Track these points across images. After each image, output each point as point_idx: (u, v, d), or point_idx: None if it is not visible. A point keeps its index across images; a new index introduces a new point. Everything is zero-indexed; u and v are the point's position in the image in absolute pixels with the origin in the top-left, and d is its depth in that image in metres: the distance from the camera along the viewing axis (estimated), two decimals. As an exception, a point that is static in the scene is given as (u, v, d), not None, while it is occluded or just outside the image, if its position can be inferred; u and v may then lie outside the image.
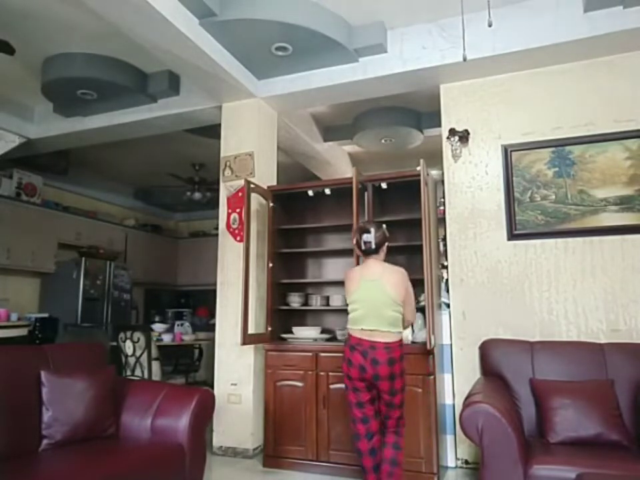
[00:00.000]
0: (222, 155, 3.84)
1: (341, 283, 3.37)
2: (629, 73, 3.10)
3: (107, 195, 7.07)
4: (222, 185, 3.80)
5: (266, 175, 3.84)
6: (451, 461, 3.20)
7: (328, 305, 3.57)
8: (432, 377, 2.93)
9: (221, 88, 3.64)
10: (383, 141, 5.07)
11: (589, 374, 2.83)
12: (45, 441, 2.28)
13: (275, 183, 3.97)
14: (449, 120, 3.54)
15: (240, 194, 3.70)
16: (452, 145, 3.46)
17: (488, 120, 3.42)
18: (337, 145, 5.49)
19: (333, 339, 3.53)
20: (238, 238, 3.67)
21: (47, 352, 2.59)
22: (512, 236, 3.25)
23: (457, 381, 3.24)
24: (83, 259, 5.91)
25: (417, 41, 3.38)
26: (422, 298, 3.16)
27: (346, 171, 5.84)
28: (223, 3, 3.05)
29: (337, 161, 5.72)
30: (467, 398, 2.62)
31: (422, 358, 2.95)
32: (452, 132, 3.45)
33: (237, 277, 3.60)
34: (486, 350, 3.11)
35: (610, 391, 2.70)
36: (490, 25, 1.97)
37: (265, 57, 3.46)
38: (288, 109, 4.08)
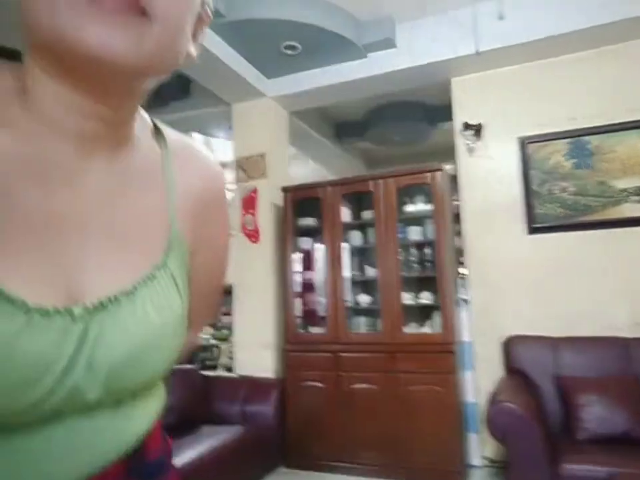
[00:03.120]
0: (234, 156, 3.83)
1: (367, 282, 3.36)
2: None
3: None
4: (236, 187, 3.78)
5: (279, 175, 3.81)
6: (476, 460, 3.16)
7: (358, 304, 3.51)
8: (453, 375, 2.90)
9: (230, 88, 3.62)
10: (395, 137, 5.02)
11: (614, 369, 2.78)
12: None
13: (288, 183, 3.94)
14: (461, 114, 3.48)
15: (253, 195, 3.69)
16: (466, 139, 3.41)
17: (502, 112, 3.36)
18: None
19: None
20: (253, 239, 3.65)
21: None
22: (531, 230, 3.19)
23: (479, 379, 3.20)
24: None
25: (426, 34, 3.32)
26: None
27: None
28: (229, 3, 3.02)
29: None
30: (491, 397, 2.59)
31: (442, 356, 2.92)
32: (465, 126, 3.40)
33: (253, 278, 3.59)
34: (509, 347, 3.07)
35: (637, 386, 2.64)
36: (501, 18, 1.93)
37: (273, 55, 3.43)
38: (298, 108, 4.05)
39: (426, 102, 4.69)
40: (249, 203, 3.70)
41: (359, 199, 3.40)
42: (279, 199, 3.70)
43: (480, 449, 3.17)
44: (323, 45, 3.31)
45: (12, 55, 0.47)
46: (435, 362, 2.91)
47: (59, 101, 0.43)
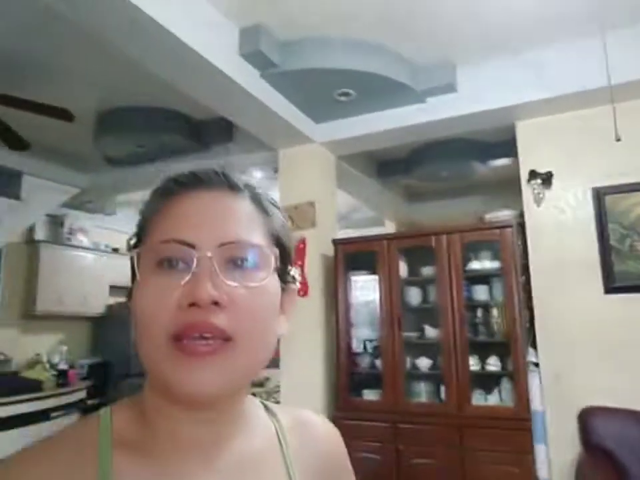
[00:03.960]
0: (281, 204, 3.64)
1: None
2: None
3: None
4: (282, 236, 3.60)
5: (328, 224, 3.63)
6: None
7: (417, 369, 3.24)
8: (529, 454, 2.62)
9: (277, 134, 3.47)
10: (442, 173, 4.79)
11: None
12: None
13: (335, 231, 3.75)
14: (527, 160, 3.24)
15: (302, 246, 3.50)
16: (533, 189, 3.16)
17: (573, 159, 3.11)
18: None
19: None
20: (301, 293, 3.45)
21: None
22: (609, 289, 2.91)
23: (552, 453, 2.90)
24: (134, 301, 5.82)
25: (491, 78, 3.11)
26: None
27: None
28: (283, 52, 2.86)
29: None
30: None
31: (516, 433, 2.64)
32: (533, 174, 3.16)
33: (300, 336, 3.38)
34: (586, 420, 2.78)
35: None
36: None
37: (326, 102, 3.26)
38: (347, 152, 3.87)
39: (477, 139, 4.46)
40: (298, 254, 3.51)
41: (418, 254, 3.17)
42: (328, 249, 3.51)
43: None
44: (378, 91, 3.13)
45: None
46: (508, 439, 2.65)
47: (168, 419, 0.50)
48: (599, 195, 2.98)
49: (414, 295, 3.17)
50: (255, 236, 0.50)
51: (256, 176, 5.01)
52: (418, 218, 6.21)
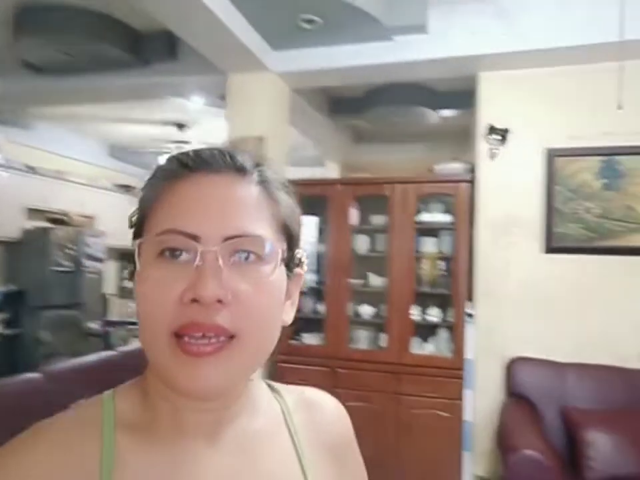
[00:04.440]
0: (226, 136, 3.38)
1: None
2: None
3: (77, 152, 6.41)
4: (227, 171, 3.37)
5: (280, 163, 3.42)
6: (467, 478, 3.09)
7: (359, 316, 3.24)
8: (460, 401, 2.75)
9: (229, 56, 3.14)
10: (395, 119, 4.67)
11: (621, 402, 2.72)
12: None
13: (287, 173, 3.56)
14: (486, 114, 3.19)
15: (248, 183, 3.29)
16: (489, 144, 3.14)
17: (530, 118, 3.10)
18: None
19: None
20: (245, 233, 3.29)
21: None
22: (548, 249, 3.02)
23: (478, 398, 3.08)
24: (52, 225, 5.37)
25: (463, 23, 2.96)
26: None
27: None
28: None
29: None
30: (503, 435, 2.47)
31: (451, 381, 2.76)
32: (492, 130, 3.12)
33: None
34: (513, 369, 2.95)
35: (647, 424, 2.59)
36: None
37: (287, 27, 2.96)
38: (303, 85, 3.62)
39: (432, 86, 4.35)
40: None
41: (370, 202, 3.09)
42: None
43: (471, 467, 3.09)
44: (346, 22, 2.88)
45: None
46: (442, 386, 2.76)
47: (170, 402, 0.50)
48: (550, 157, 3.02)
49: (362, 243, 3.12)
50: (262, 227, 0.47)
51: (198, 101, 4.63)
52: (363, 161, 6.12)
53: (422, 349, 2.96)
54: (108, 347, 3.70)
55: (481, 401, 3.04)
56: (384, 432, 2.74)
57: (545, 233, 3.02)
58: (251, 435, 0.53)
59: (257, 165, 0.50)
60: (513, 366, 2.96)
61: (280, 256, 0.48)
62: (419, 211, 2.99)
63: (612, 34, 2.66)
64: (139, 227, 0.49)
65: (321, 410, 0.61)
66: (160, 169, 0.50)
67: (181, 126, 5.56)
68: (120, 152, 6.80)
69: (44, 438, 0.47)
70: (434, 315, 2.98)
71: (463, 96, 4.35)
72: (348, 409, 0.62)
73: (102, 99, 4.19)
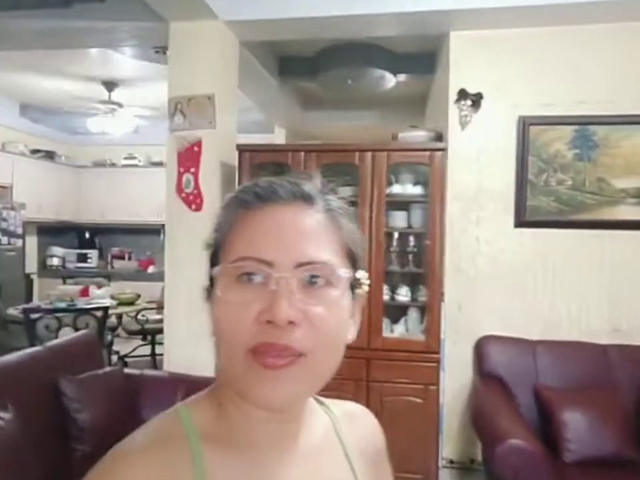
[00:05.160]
0: (170, 94, 2.93)
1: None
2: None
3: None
4: (170, 136, 2.93)
5: (228, 125, 3.03)
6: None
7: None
8: (436, 386, 2.60)
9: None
10: (349, 82, 4.35)
11: (593, 379, 2.68)
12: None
13: (235, 135, 3.17)
14: (457, 78, 2.96)
15: (196, 148, 2.89)
16: (461, 110, 2.92)
17: (503, 83, 2.91)
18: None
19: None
20: (193, 206, 2.90)
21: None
22: (520, 223, 2.89)
23: (447, 380, 2.95)
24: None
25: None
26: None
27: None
28: None
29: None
30: (484, 422, 2.34)
31: (426, 365, 2.59)
32: (463, 94, 2.90)
33: (191, 255, 2.88)
34: (483, 348, 2.84)
35: (619, 401, 2.57)
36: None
37: (239, -34, 2.55)
38: (252, 38, 3.20)
39: (389, 47, 4.06)
40: (190, 158, 2.90)
41: (336, 171, 2.79)
42: (229, 156, 2.96)
43: (440, 450, 2.99)
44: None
45: None
46: (415, 371, 2.58)
47: (246, 413, 0.52)
48: (525, 125, 2.86)
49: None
50: (329, 253, 0.51)
51: (130, 54, 4.07)
52: (312, 128, 5.77)
53: (391, 331, 2.76)
54: (32, 338, 3.20)
55: (450, 382, 2.91)
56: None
57: (517, 206, 2.88)
58: (312, 447, 0.57)
59: (322, 193, 0.54)
60: (483, 345, 2.85)
61: (347, 281, 0.52)
62: (390, 183, 2.73)
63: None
64: (215, 253, 0.54)
65: (363, 422, 0.66)
66: (233, 199, 0.55)
67: (109, 84, 4.92)
68: (34, 112, 5.99)
69: (140, 456, 0.48)
70: (403, 294, 2.78)
71: (422, 59, 4.12)
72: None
73: (11, 45, 3.53)
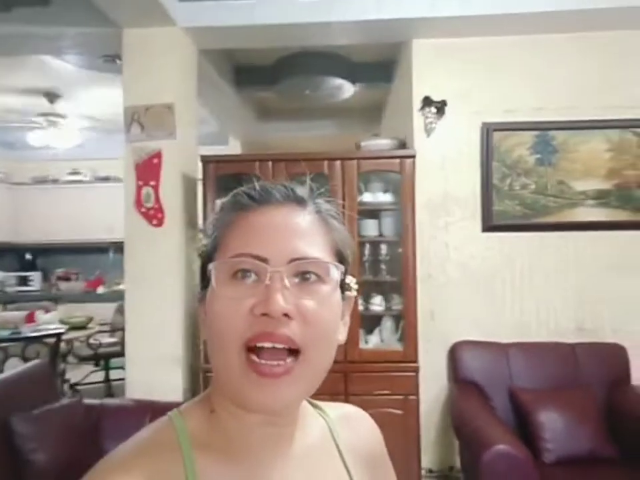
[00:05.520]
0: (125, 103, 2.77)
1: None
2: (622, 53, 2.85)
3: None
4: (127, 147, 2.76)
5: (189, 135, 2.89)
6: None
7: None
8: (416, 395, 2.55)
9: (121, 4, 2.53)
10: (307, 92, 4.31)
11: (565, 378, 2.73)
12: None
13: (196, 146, 3.04)
14: (421, 85, 2.97)
15: (155, 160, 2.74)
16: (425, 117, 2.93)
17: (466, 90, 2.95)
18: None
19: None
20: (154, 221, 2.74)
21: None
22: (486, 227, 2.93)
23: (423, 387, 2.92)
24: None
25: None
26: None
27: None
28: None
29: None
30: (466, 428, 2.32)
31: (404, 375, 2.54)
32: (427, 101, 2.91)
33: (154, 275, 2.72)
34: (457, 354, 2.84)
35: (591, 398, 2.62)
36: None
37: (198, -30, 2.45)
38: (211, 46, 3.10)
39: (347, 56, 4.06)
40: (149, 171, 2.74)
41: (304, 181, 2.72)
42: (190, 168, 2.83)
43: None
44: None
45: None
46: (393, 381, 2.54)
47: (239, 419, 0.53)
48: (488, 131, 2.90)
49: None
50: (320, 251, 0.53)
51: (73, 63, 3.84)
52: (267, 139, 5.68)
53: (366, 342, 2.70)
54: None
55: (425, 390, 2.88)
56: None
57: (484, 211, 2.92)
58: (307, 450, 0.58)
59: (313, 197, 0.57)
60: (456, 350, 2.84)
61: (338, 277, 0.53)
62: (360, 191, 2.69)
63: (558, 3, 2.58)
64: (210, 254, 0.55)
65: (360, 424, 0.66)
66: (229, 202, 0.56)
67: (51, 95, 4.63)
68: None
69: (132, 464, 0.48)
70: (377, 304, 2.73)
71: (379, 68, 4.15)
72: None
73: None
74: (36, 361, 2.50)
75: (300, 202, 0.55)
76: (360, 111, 5.07)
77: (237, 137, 5.64)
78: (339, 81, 4.15)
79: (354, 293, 0.61)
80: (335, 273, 0.53)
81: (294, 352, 0.49)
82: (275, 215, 0.53)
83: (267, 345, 0.48)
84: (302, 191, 0.56)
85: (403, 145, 3.04)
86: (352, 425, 0.65)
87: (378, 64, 4.10)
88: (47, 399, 2.31)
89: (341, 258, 0.56)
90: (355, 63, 4.12)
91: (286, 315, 0.48)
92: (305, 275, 0.51)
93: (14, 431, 2.04)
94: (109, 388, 4.54)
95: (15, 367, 2.68)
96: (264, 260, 0.50)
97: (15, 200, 6.35)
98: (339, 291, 0.54)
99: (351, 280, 0.57)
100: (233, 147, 5.68)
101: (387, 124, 4.46)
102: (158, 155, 2.72)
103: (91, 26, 2.84)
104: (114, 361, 4.57)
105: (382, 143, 3.04)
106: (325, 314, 0.51)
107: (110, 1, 2.50)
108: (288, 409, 0.53)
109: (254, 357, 0.48)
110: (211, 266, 0.52)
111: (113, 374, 4.58)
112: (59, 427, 2.19)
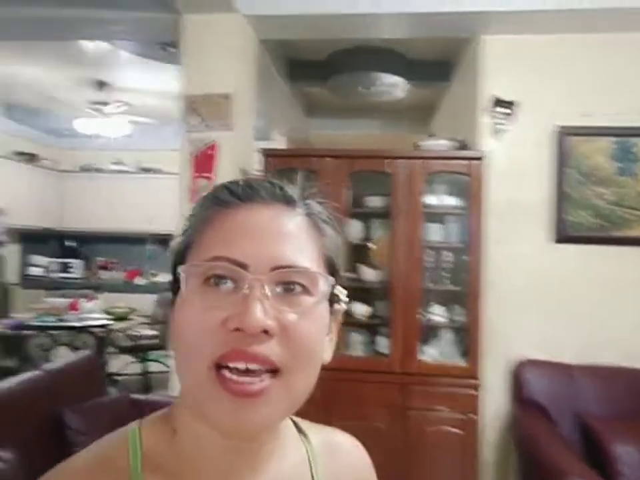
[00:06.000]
0: (184, 92, 2.68)
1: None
2: None
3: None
4: (184, 138, 2.68)
5: (246, 127, 2.80)
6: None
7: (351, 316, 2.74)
8: (477, 415, 2.39)
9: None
10: (360, 88, 4.17)
11: (637, 406, 2.52)
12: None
13: (252, 138, 2.95)
14: (490, 84, 2.79)
15: (211, 152, 2.64)
16: (494, 118, 2.75)
17: (539, 90, 2.75)
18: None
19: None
20: (208, 215, 2.65)
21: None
22: (558, 238, 2.72)
23: (483, 405, 2.74)
24: None
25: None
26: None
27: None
28: None
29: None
30: (537, 455, 2.14)
31: (466, 391, 2.38)
32: (498, 102, 2.73)
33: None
34: (522, 373, 2.65)
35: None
36: None
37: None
38: (274, 37, 2.99)
39: (405, 53, 3.90)
40: (204, 162, 2.65)
41: (364, 180, 2.58)
42: (246, 161, 2.72)
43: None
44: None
45: None
46: (455, 399, 2.37)
47: (202, 442, 0.47)
48: (562, 135, 2.70)
49: (355, 230, 2.62)
50: (309, 259, 0.47)
51: (126, 49, 3.79)
52: (313, 136, 5.57)
53: (424, 353, 2.55)
54: (25, 359, 2.87)
55: (484, 408, 2.70)
56: (390, 455, 2.29)
57: (554, 220, 2.72)
58: (280, 478, 0.52)
59: (304, 197, 0.51)
60: (521, 370, 2.65)
61: (326, 290, 0.47)
62: (423, 193, 2.54)
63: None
64: (183, 253, 0.48)
65: (345, 454, 0.60)
66: (208, 197, 0.50)
67: (103, 84, 4.63)
68: (19, 112, 5.64)
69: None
70: (438, 314, 2.57)
71: (436, 66, 3.98)
72: (344, 428, 0.61)
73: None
74: (84, 352, 2.45)
75: (289, 202, 0.49)
76: (408, 110, 4.90)
77: (282, 133, 5.53)
78: (393, 78, 4.00)
79: (343, 306, 0.50)
80: (324, 284, 0.47)
81: (272, 369, 0.43)
82: (258, 215, 0.47)
83: (240, 365, 0.42)
84: (291, 189, 0.50)
85: (464, 146, 2.87)
86: (336, 455, 0.58)
87: (435, 61, 3.93)
88: (95, 391, 2.25)
89: (331, 267, 0.50)
90: (410, 59, 3.96)
91: (265, 331, 0.42)
92: (289, 285, 0.45)
93: (65, 423, 1.99)
94: (147, 380, 4.50)
95: (62, 355, 2.63)
96: (243, 266, 0.44)
97: (61, 187, 6.42)
98: (326, 304, 0.48)
99: (340, 291, 0.51)
100: (277, 143, 5.58)
101: (443, 124, 4.28)
102: (213, 147, 2.63)
103: (149, 10, 2.76)
104: (153, 354, 4.54)
105: (442, 144, 2.87)
106: (309, 329, 0.45)
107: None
108: (260, 434, 0.47)
109: (225, 372, 0.42)
110: (181, 269, 0.45)
111: (152, 366, 4.56)
112: (107, 420, 2.12)
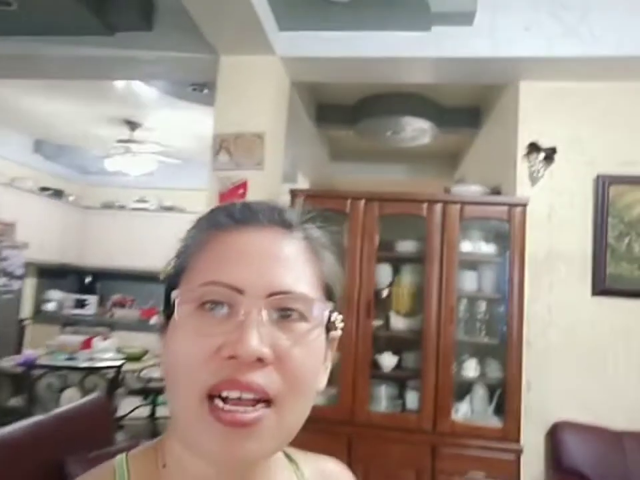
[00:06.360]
0: (215, 130, 2.67)
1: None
2: None
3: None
4: (212, 175, 2.64)
5: (276, 166, 2.76)
6: None
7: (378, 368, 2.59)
8: (516, 482, 2.18)
9: (227, 28, 2.45)
10: (389, 133, 4.16)
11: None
12: None
13: (280, 178, 2.90)
14: (528, 130, 2.73)
15: (241, 190, 2.59)
16: (531, 164, 2.67)
17: (578, 138, 2.68)
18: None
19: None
20: (233, 254, 2.56)
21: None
22: (599, 291, 2.58)
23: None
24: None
25: (516, 18, 2.50)
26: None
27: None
28: None
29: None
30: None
31: (504, 456, 2.18)
32: (534, 147, 2.66)
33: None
34: (560, 437, 2.45)
35: None
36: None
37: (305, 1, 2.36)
38: (307, 79, 3.00)
39: (435, 99, 3.90)
40: (233, 200, 2.59)
41: (394, 224, 2.48)
42: (275, 198, 2.66)
43: None
44: (379, 2, 2.33)
45: None
46: (492, 464, 2.17)
47: (190, 476, 0.46)
48: (604, 184, 2.60)
49: (384, 275, 2.50)
50: (306, 285, 0.46)
51: (158, 88, 3.83)
52: (336, 179, 5.55)
53: (456, 411, 2.36)
54: (33, 400, 2.75)
55: (522, 473, 2.48)
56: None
57: (595, 272, 2.58)
58: None
59: (303, 221, 0.50)
60: (558, 433, 2.45)
61: (325, 316, 0.46)
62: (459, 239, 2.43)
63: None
64: (177, 277, 0.47)
65: None
66: (205, 219, 0.50)
67: (132, 124, 4.70)
68: (49, 148, 5.75)
69: None
70: (471, 368, 2.40)
71: (465, 111, 3.97)
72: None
73: (39, 72, 3.30)
74: (94, 396, 2.31)
75: (287, 226, 0.48)
76: (434, 155, 4.87)
77: (305, 176, 5.53)
78: (423, 124, 3.98)
79: (339, 333, 0.46)
80: (321, 311, 0.46)
81: (266, 399, 0.42)
82: (256, 238, 0.46)
83: (234, 394, 0.41)
84: (290, 213, 0.49)
85: (497, 192, 2.79)
86: None
87: (465, 107, 3.92)
88: (101, 439, 2.11)
89: (329, 294, 0.49)
90: (440, 105, 3.95)
91: (260, 359, 0.41)
92: (285, 311, 0.44)
93: (67, 473, 1.84)
94: (154, 425, 4.31)
95: (71, 397, 2.50)
96: (239, 291, 0.43)
97: (83, 223, 6.45)
98: (323, 331, 0.47)
99: (337, 318, 0.49)
100: (301, 185, 5.57)
101: (471, 170, 4.22)
102: (244, 185, 2.58)
103: (188, 52, 2.79)
104: (162, 397, 4.36)
105: (473, 190, 2.78)
106: (306, 358, 0.44)
107: (213, 26, 2.44)
108: (251, 466, 0.46)
109: (218, 402, 0.41)
110: (174, 293, 0.44)
111: (160, 410, 4.37)
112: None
